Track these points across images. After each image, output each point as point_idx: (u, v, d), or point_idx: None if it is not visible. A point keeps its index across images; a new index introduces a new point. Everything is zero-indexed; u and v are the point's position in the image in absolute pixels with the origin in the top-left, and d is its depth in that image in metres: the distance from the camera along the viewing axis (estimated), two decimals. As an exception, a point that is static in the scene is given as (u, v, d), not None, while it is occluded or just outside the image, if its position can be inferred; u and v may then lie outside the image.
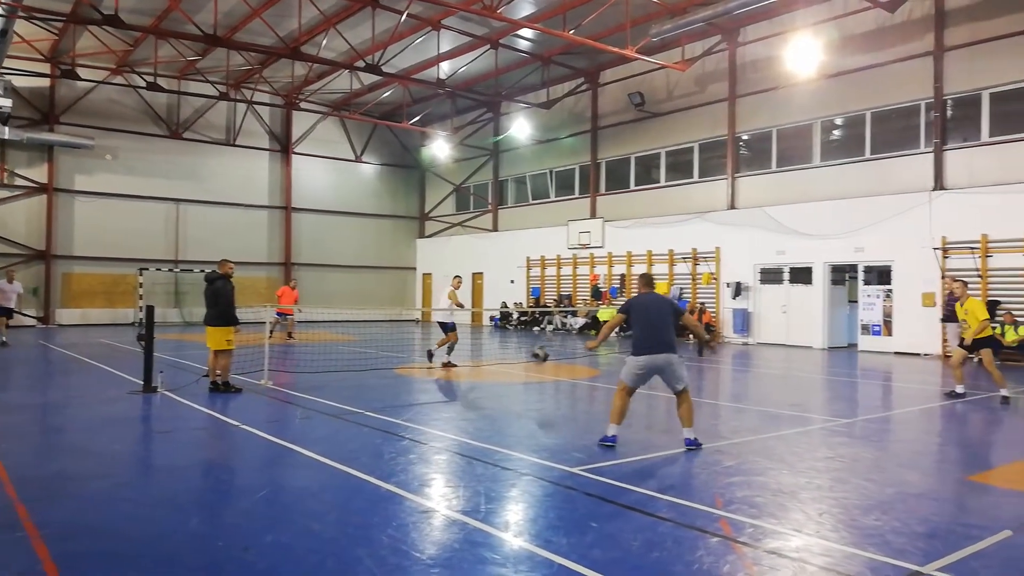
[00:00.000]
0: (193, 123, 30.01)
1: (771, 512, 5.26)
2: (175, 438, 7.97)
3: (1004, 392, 10.79)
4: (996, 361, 11.21)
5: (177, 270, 29.39)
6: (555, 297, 28.38)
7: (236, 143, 31.18)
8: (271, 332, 19.51)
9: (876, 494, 5.77)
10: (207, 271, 11.32)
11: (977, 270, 17.40)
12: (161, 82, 25.21)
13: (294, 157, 32.75)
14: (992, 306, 17.08)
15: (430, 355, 14.69)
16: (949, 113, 18.47)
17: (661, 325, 7.48)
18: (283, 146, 32.62)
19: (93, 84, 26.85)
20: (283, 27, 22.69)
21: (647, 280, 7.98)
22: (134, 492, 5.83)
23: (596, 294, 26.57)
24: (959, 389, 11.03)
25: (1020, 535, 4.81)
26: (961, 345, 11.28)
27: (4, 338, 18.19)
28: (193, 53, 25.55)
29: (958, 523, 5.05)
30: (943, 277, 17.92)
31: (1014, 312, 16.59)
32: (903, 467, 6.91)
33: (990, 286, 17.29)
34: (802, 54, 19.09)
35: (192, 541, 4.66)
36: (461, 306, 15.33)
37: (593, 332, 25.79)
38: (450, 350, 14.53)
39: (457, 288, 15.00)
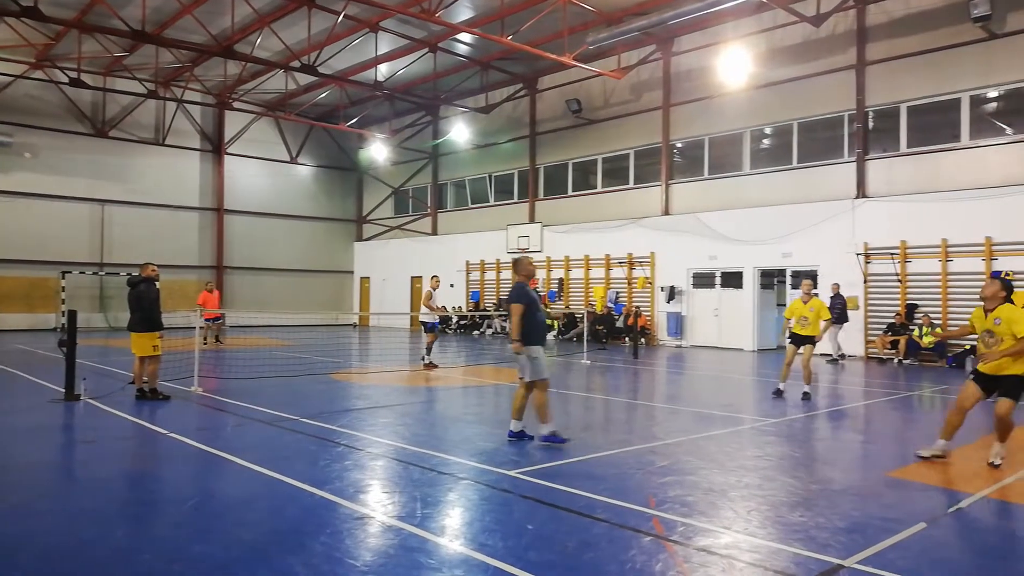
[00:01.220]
0: (120, 121, 28.95)
1: (702, 510, 5.40)
2: (99, 448, 7.67)
3: (806, 388, 11.32)
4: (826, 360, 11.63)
5: (102, 273, 28.29)
6: (495, 301, 28.44)
7: (166, 143, 30.22)
8: (205, 339, 19.07)
9: (801, 491, 5.98)
10: (131, 275, 10.94)
11: (897, 275, 18.21)
12: (85, 78, 24.23)
13: (227, 158, 31.94)
14: (911, 309, 17.95)
15: (424, 360, 15.27)
16: (871, 124, 19.29)
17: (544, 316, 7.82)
18: (215, 146, 31.78)
19: (11, 78, 25.62)
20: (215, 25, 22.13)
21: (528, 270, 7.88)
22: (54, 504, 5.59)
23: (534, 298, 26.70)
24: (806, 388, 11.43)
25: (933, 527, 5.06)
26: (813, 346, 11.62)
27: None
28: (120, 49, 24.68)
29: (877, 517, 5.28)
30: (865, 281, 18.72)
31: (930, 315, 17.41)
32: (827, 464, 7.18)
33: (909, 290, 18.11)
34: (733, 65, 19.66)
35: (116, 555, 4.50)
36: (433, 309, 15.56)
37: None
38: (428, 350, 15.22)
39: (435, 288, 15.37)
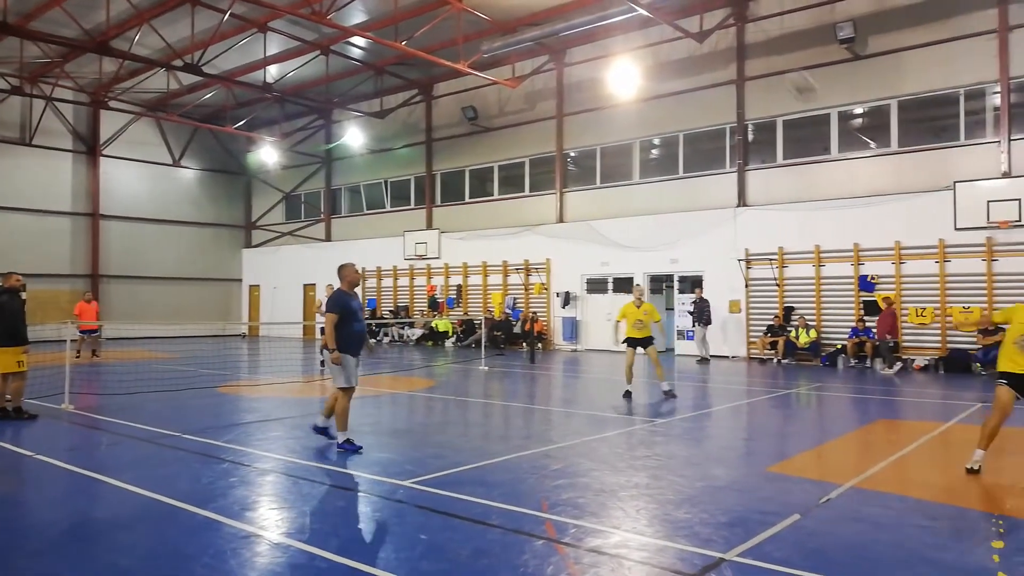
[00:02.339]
0: (-21, 119, 26.76)
1: (593, 511, 5.51)
2: (-48, 474, 7.03)
3: (664, 386, 12.05)
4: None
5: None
6: (392, 308, 28.08)
7: (33, 143, 28.11)
8: (78, 352, 17.83)
9: (687, 488, 6.21)
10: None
11: (775, 279, 19.26)
12: (-62, 71, 22.31)
13: (103, 160, 30.05)
14: (788, 312, 19.02)
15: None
16: (750, 137, 20.35)
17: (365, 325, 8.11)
18: (90, 147, 29.84)
19: None
20: (89, 19, 20.83)
21: (352, 278, 8.00)
22: None
23: (433, 305, 26.61)
24: (664, 385, 12.07)
25: (807, 518, 5.37)
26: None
27: None
28: (-21, 41, 22.82)
29: (756, 511, 5.54)
30: (746, 286, 19.69)
31: (806, 317, 18.52)
32: (712, 461, 7.48)
33: (786, 294, 19.19)
34: (622, 77, 20.27)
35: (-31, 590, 4.14)
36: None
37: (430, 343, 25.78)
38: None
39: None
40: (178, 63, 21.94)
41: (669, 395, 11.87)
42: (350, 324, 7.71)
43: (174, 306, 31.42)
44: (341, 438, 7.70)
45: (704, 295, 19.76)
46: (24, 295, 10.06)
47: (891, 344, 16.55)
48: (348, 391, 7.73)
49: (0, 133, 27.41)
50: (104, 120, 29.77)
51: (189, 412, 10.67)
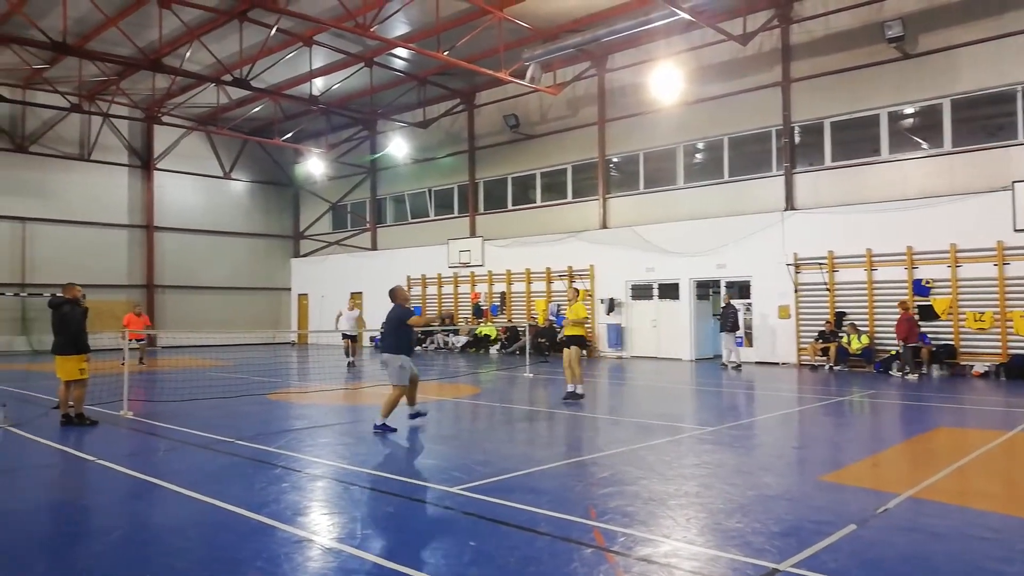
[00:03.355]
0: (41, 136, 27.83)
1: (642, 520, 5.46)
2: (19, 478, 7.31)
3: (573, 388, 12.28)
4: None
5: (24, 295, 27.04)
6: (437, 316, 28.26)
7: (91, 158, 29.16)
8: (123, 361, 18.38)
9: (738, 497, 6.11)
10: (54, 295, 10.50)
11: (825, 284, 18.86)
12: (2, 91, 23.27)
13: (156, 173, 31.00)
14: (839, 317, 18.60)
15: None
16: (797, 139, 20.00)
17: (386, 331, 9.68)
18: (144, 162, 30.81)
19: (-78, 92, 24.40)
20: (142, 37, 21.52)
21: (405, 295, 9.95)
22: (-32, 541, 5.29)
23: (477, 312, 26.72)
24: (578, 389, 12.31)
25: (863, 528, 5.23)
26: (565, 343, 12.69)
27: None
28: (40, 61, 23.75)
29: (810, 521, 5.43)
30: (796, 291, 19.33)
31: (857, 323, 18.08)
32: (763, 470, 7.35)
33: (837, 299, 18.77)
34: (665, 82, 20.13)
35: (37, 590, 4.29)
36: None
37: (474, 350, 25.90)
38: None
39: (350, 309, 15.87)
40: (227, 78, 22.52)
41: (570, 398, 12.22)
42: (410, 333, 9.49)
43: (226, 315, 32.16)
44: (379, 421, 9.16)
45: (732, 301, 19.34)
46: (84, 305, 10.41)
47: (908, 349, 16.29)
48: (399, 388, 9.35)
49: (61, 149, 28.49)
50: (157, 135, 30.72)
51: (241, 418, 10.89)
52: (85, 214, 28.91)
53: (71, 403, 10.00)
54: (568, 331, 12.60)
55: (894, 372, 16.70)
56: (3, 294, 26.60)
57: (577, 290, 13.73)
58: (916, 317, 16.76)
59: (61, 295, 10.18)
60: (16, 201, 27.23)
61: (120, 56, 21.76)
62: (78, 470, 7.69)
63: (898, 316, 16.58)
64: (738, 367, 18.32)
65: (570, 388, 12.37)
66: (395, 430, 9.16)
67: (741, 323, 19.58)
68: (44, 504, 6.47)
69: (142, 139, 30.83)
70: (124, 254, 30.14)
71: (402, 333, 9.46)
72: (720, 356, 19.61)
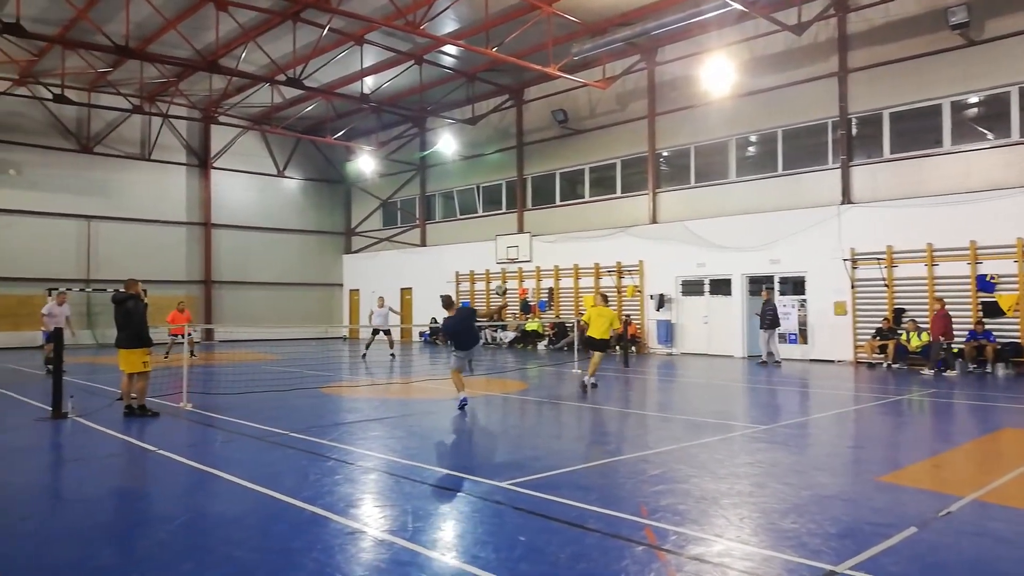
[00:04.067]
0: (105, 137, 28.83)
1: (694, 519, 5.39)
2: (86, 466, 7.59)
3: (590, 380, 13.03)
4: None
5: (88, 290, 28.07)
6: (485, 312, 28.37)
7: (151, 158, 30.11)
8: (166, 354, 19.04)
9: (793, 497, 5.98)
10: (117, 291, 10.88)
11: (884, 280, 18.33)
12: (69, 94, 24.14)
13: (213, 172, 31.84)
14: (897, 314, 18.06)
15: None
16: (854, 131, 19.46)
17: (465, 331, 11.35)
18: (201, 161, 31.68)
19: (-6, 96, 25.48)
20: (200, 39, 22.10)
21: (448, 303, 11.55)
22: (38, 525, 5.51)
23: (525, 308, 26.74)
24: (590, 380, 13.03)
25: (924, 531, 5.07)
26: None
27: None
28: (104, 64, 24.58)
29: (868, 522, 5.28)
30: (852, 287, 18.84)
31: (917, 320, 17.52)
32: (818, 470, 7.18)
33: (896, 295, 18.23)
34: (717, 74, 19.77)
35: (101, 575, 4.45)
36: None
37: (521, 346, 25.93)
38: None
39: (380, 306, 16.32)
40: (281, 78, 22.97)
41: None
42: (469, 328, 11.30)
43: (280, 310, 32.89)
44: (455, 399, 10.89)
45: (772, 298, 19.47)
46: (146, 300, 10.75)
47: (944, 346, 16.02)
48: (456, 371, 11.13)
49: (123, 149, 29.46)
50: (214, 134, 31.53)
51: (295, 411, 11.12)
52: (146, 212, 29.88)
53: (134, 395, 10.34)
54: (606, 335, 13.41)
55: (925, 371, 16.28)
56: (70, 289, 27.61)
57: (605, 296, 14.74)
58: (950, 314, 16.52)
59: (124, 291, 10.53)
60: (82, 200, 28.29)
61: (179, 58, 22.40)
62: (140, 459, 7.95)
63: (936, 312, 16.46)
64: (777, 363, 18.46)
65: (590, 380, 13.20)
66: (465, 403, 10.82)
67: (791, 320, 19.72)
68: (111, 491, 6.71)
69: (199, 139, 31.69)
70: (182, 251, 31.05)
71: (475, 330, 11.52)
72: (759, 355, 19.43)
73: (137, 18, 20.57)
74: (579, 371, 16.93)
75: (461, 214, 30.89)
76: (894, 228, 18.17)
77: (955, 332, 16.40)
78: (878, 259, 18.42)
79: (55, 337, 10.58)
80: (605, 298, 14.44)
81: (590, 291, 24.98)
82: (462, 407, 10.71)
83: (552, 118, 25.81)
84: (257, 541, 5.03)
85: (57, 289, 20.98)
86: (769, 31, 19.99)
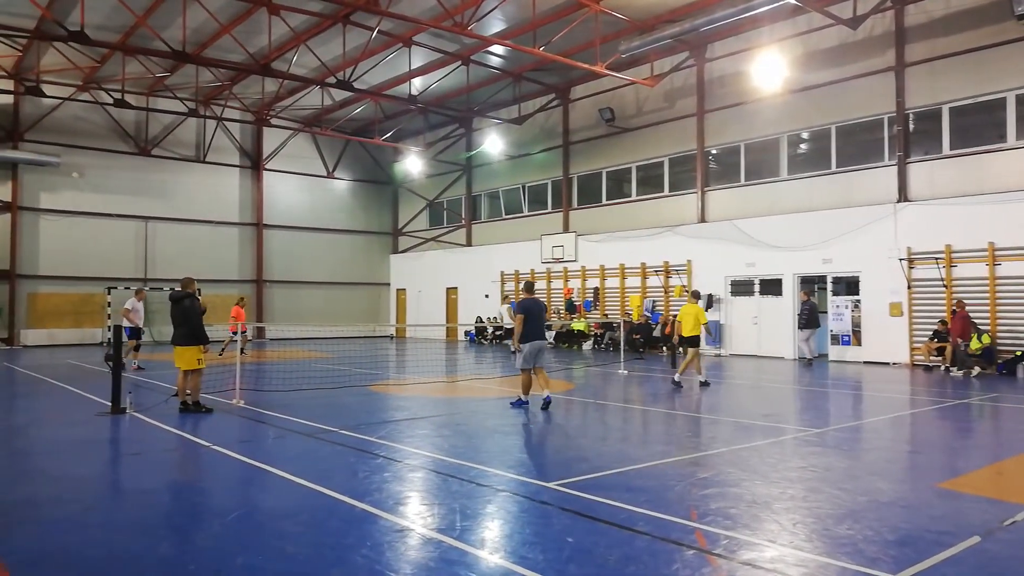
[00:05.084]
0: (162, 140, 29.70)
1: (745, 523, 5.29)
2: (144, 460, 7.82)
3: (677, 377, 14.04)
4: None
5: (146, 288, 28.90)
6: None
7: (206, 160, 30.92)
8: (221, 351, 19.44)
9: (848, 503, 5.83)
10: (173, 289, 11.19)
11: (942, 280, 17.76)
12: (129, 99, 24.91)
13: (265, 173, 32.54)
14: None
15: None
16: (911, 127, 18.89)
17: (541, 321, 11.31)
18: (254, 162, 32.39)
19: (59, 101, 26.43)
20: (253, 43, 22.59)
21: (529, 286, 11.66)
22: (102, 516, 5.70)
23: (571, 307, 26.65)
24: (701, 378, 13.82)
25: (988, 540, 4.89)
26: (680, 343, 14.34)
27: (137, 363, 17.15)
28: (161, 69, 25.31)
29: (928, 530, 5.12)
30: (909, 287, 18.29)
31: (977, 321, 16.91)
32: (875, 475, 6.99)
33: (955, 295, 17.64)
34: (768, 70, 19.43)
35: (162, 566, 4.57)
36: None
37: (565, 346, 25.86)
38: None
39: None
40: (331, 80, 23.33)
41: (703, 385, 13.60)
42: (533, 322, 11.02)
43: (329, 308, 33.49)
44: (515, 399, 11.18)
45: (811, 299, 19.63)
46: (201, 299, 11.03)
47: (963, 347, 15.98)
48: (525, 371, 11.07)
49: (179, 151, 30.31)
50: (266, 136, 32.22)
51: (344, 409, 11.28)
52: (200, 212, 30.68)
53: (188, 391, 10.61)
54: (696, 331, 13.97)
55: (955, 371, 16.21)
56: (128, 288, 28.52)
57: (698, 293, 15.23)
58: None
59: (180, 289, 10.82)
60: (140, 201, 29.20)
61: (232, 62, 22.94)
62: (195, 454, 8.16)
63: (955, 314, 16.46)
64: (809, 362, 18.77)
65: (701, 378, 13.95)
66: (525, 403, 11.24)
67: (844, 320, 19.75)
68: (167, 485, 6.90)
69: (252, 141, 32.41)
70: (235, 250, 31.80)
71: (544, 321, 11.56)
72: (805, 356, 19.30)
73: (193, 24, 21.13)
74: (624, 372, 16.80)
75: (506, 214, 30.95)
76: (953, 226, 17.58)
77: (1018, 335, 15.83)
78: (936, 259, 17.85)
79: (117, 335, 10.91)
80: (696, 295, 14.80)
81: (636, 291, 24.83)
82: (545, 406, 10.79)
83: (599, 117, 25.66)
84: (309, 536, 5.11)
85: (138, 287, 21.41)
86: (823, 25, 19.54)
